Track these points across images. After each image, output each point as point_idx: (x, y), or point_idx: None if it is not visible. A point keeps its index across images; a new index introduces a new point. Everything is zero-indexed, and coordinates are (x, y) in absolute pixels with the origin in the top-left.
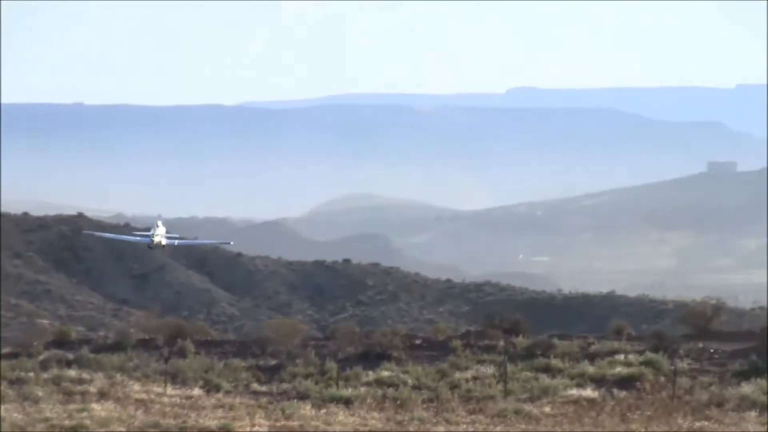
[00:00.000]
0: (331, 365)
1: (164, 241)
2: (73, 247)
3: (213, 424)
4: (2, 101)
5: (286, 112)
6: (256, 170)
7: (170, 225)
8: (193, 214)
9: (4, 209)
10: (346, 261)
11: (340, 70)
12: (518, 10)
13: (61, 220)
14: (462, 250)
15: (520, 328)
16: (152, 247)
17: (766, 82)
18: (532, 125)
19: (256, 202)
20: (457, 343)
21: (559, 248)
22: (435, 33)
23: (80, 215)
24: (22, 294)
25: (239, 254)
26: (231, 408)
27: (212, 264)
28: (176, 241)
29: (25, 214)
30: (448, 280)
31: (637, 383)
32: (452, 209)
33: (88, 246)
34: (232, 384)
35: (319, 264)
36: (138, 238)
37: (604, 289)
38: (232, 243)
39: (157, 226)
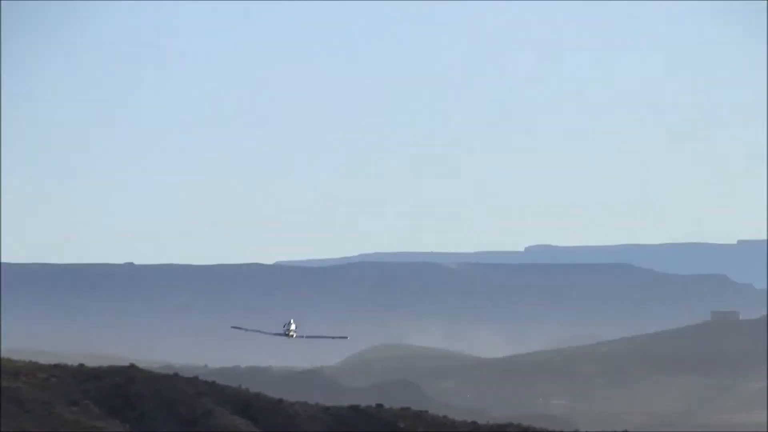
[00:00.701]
0: None
1: (295, 335)
2: (126, 396)
3: None
4: (59, 262)
5: (321, 269)
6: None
7: (215, 374)
8: (237, 363)
9: (62, 361)
10: (379, 405)
11: (371, 230)
12: (534, 175)
13: (114, 371)
14: (486, 395)
15: None
16: (288, 336)
17: (764, 238)
18: (550, 280)
19: (295, 353)
20: None
21: (576, 392)
22: (457, 196)
23: (132, 366)
24: None
25: (280, 400)
26: None
27: (255, 409)
28: (305, 336)
29: (81, 365)
30: (474, 422)
31: None
32: (476, 357)
33: (140, 394)
34: None
35: (354, 409)
36: (277, 333)
37: (618, 429)
38: (348, 338)
39: (291, 323)
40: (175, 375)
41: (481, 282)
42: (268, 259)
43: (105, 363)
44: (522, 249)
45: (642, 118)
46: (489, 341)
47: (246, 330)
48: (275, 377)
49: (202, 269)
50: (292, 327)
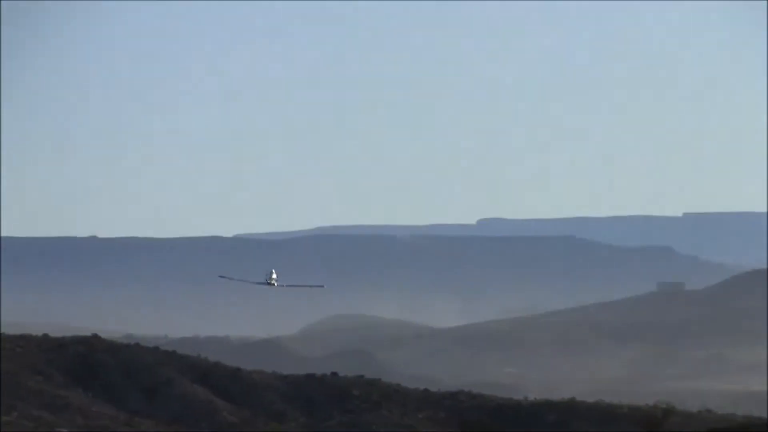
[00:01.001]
0: None
1: (276, 283)
2: (89, 365)
3: None
4: (23, 235)
5: (278, 242)
6: (253, 294)
7: (175, 344)
8: (196, 333)
9: (26, 332)
10: (334, 374)
11: (327, 204)
12: (485, 150)
13: (77, 340)
14: (438, 363)
15: (491, 430)
16: (270, 284)
17: (709, 211)
18: (500, 252)
19: (253, 323)
20: None
21: (525, 360)
22: (411, 170)
23: (95, 336)
24: (43, 407)
25: (238, 369)
26: None
27: (214, 378)
28: (285, 284)
29: (45, 335)
30: (426, 390)
31: None
32: (429, 327)
33: (103, 363)
34: None
35: (310, 377)
36: (259, 282)
37: (566, 396)
38: (324, 286)
39: (273, 272)
40: (137, 345)
41: (434, 254)
42: (227, 232)
43: (69, 334)
44: (474, 222)
45: (591, 93)
46: (442, 311)
47: (231, 279)
48: (233, 347)
49: (163, 242)
50: (274, 276)
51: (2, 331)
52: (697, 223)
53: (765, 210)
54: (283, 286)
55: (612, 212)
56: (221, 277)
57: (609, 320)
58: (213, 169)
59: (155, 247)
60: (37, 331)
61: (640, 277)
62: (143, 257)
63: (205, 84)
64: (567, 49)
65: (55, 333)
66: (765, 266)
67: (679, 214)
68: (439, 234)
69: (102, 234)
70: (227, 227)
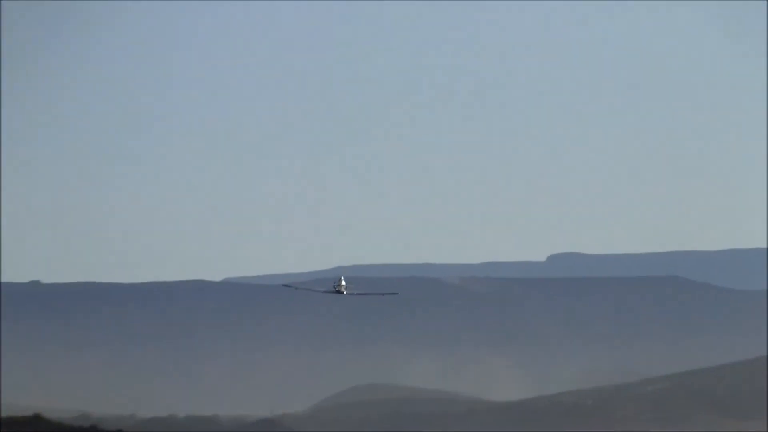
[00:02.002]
0: None
1: (345, 291)
2: None
3: None
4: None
5: (275, 288)
6: (247, 357)
7: (145, 426)
8: (173, 411)
9: None
10: None
11: (347, 236)
12: (555, 169)
13: (14, 422)
14: None
15: None
16: (339, 292)
17: None
18: (578, 297)
19: (251, 398)
20: None
21: None
22: (461, 194)
23: (37, 416)
24: None
25: None
26: None
27: None
28: (356, 293)
29: None
30: None
31: None
32: (484, 400)
33: None
34: None
35: None
36: (327, 290)
37: None
38: (399, 294)
39: (341, 279)
40: (93, 427)
41: (490, 301)
42: (215, 277)
43: (8, 412)
44: (543, 259)
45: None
46: (501, 379)
47: (297, 288)
48: (223, 429)
49: (131, 288)
50: (342, 283)
51: None
52: None
53: None
54: (353, 294)
55: (725, 245)
56: (285, 286)
57: (727, 388)
58: (202, 203)
59: (118, 295)
60: None
61: (764, 330)
62: (101, 308)
63: (225, 112)
64: (647, 66)
65: None
66: None
67: None
68: (497, 275)
69: (47, 279)
70: (214, 270)
